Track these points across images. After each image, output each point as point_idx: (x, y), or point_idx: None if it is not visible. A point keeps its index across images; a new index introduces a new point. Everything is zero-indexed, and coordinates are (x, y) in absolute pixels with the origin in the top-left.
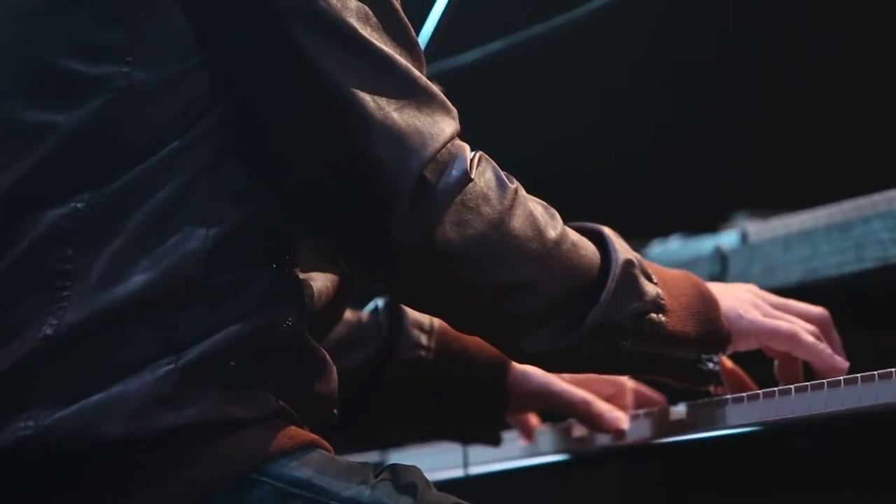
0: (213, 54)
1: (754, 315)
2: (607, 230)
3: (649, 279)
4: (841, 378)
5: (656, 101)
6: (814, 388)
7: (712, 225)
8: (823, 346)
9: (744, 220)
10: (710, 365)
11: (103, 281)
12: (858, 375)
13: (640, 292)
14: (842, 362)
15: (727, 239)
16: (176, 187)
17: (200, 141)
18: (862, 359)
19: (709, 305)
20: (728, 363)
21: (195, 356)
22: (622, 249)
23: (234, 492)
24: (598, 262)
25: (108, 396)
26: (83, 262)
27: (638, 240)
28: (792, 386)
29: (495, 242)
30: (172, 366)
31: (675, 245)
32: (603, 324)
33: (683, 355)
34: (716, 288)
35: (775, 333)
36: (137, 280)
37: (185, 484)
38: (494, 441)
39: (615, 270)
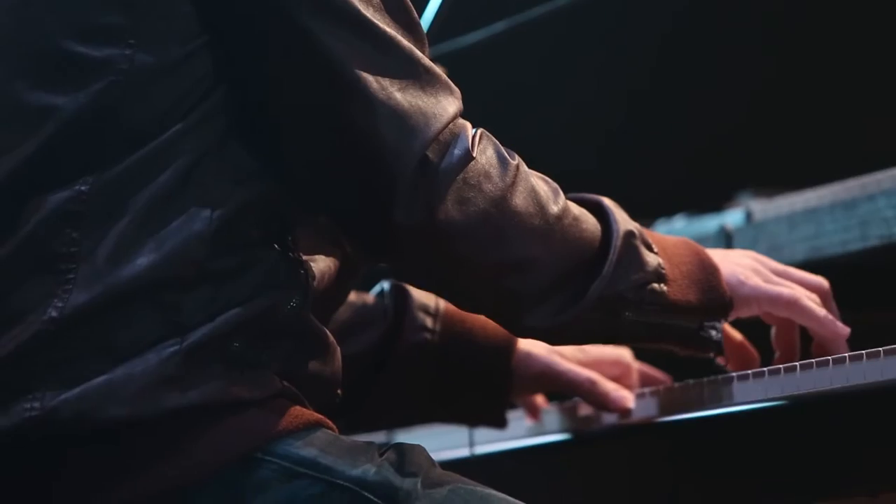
0: (216, 36)
1: (756, 281)
2: (607, 201)
3: (650, 249)
4: (846, 355)
5: (660, 80)
6: (819, 365)
7: (717, 204)
8: (825, 313)
9: (748, 199)
10: (713, 332)
11: (108, 263)
12: (864, 352)
13: (641, 263)
14: (843, 328)
15: (732, 218)
16: (179, 170)
17: (203, 123)
18: (867, 336)
19: (709, 272)
20: (736, 336)
21: (199, 338)
22: (622, 220)
23: (240, 471)
24: (600, 234)
25: (113, 378)
26: (88, 245)
27: (642, 220)
28: (797, 363)
29: (498, 219)
30: (177, 347)
31: (679, 224)
32: (605, 296)
33: (686, 323)
34: (716, 254)
35: (777, 299)
36: (142, 262)
37: (190, 464)
38: (500, 423)
39: (616, 242)
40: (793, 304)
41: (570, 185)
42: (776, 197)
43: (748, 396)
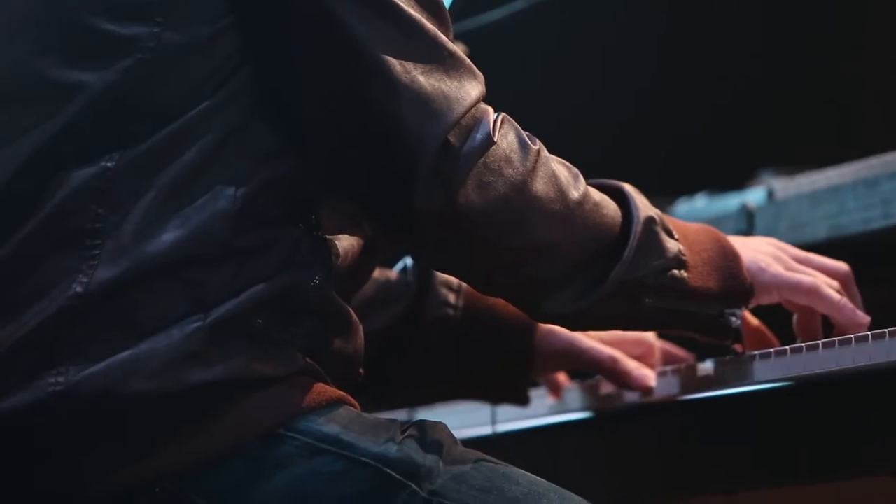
0: (242, 16)
1: (776, 269)
2: (628, 187)
3: (671, 235)
4: (869, 333)
5: (683, 57)
6: (841, 343)
7: (738, 182)
8: (845, 301)
9: (770, 177)
10: (733, 319)
11: (133, 239)
12: (886, 330)
13: (661, 249)
14: (863, 317)
15: (753, 196)
16: (205, 147)
17: (229, 102)
18: (890, 315)
19: (730, 259)
20: (753, 320)
21: (223, 314)
22: (643, 206)
23: (263, 448)
24: (620, 220)
25: (137, 353)
26: (113, 221)
27: (664, 198)
28: (819, 341)
29: (518, 204)
30: (200, 323)
31: (701, 203)
32: (625, 282)
33: (706, 310)
34: (737, 241)
35: (797, 287)
36: (167, 239)
37: (213, 440)
38: (522, 401)
39: (637, 228)
40: (812, 291)
41: (591, 164)
42: (798, 175)
43: (770, 375)
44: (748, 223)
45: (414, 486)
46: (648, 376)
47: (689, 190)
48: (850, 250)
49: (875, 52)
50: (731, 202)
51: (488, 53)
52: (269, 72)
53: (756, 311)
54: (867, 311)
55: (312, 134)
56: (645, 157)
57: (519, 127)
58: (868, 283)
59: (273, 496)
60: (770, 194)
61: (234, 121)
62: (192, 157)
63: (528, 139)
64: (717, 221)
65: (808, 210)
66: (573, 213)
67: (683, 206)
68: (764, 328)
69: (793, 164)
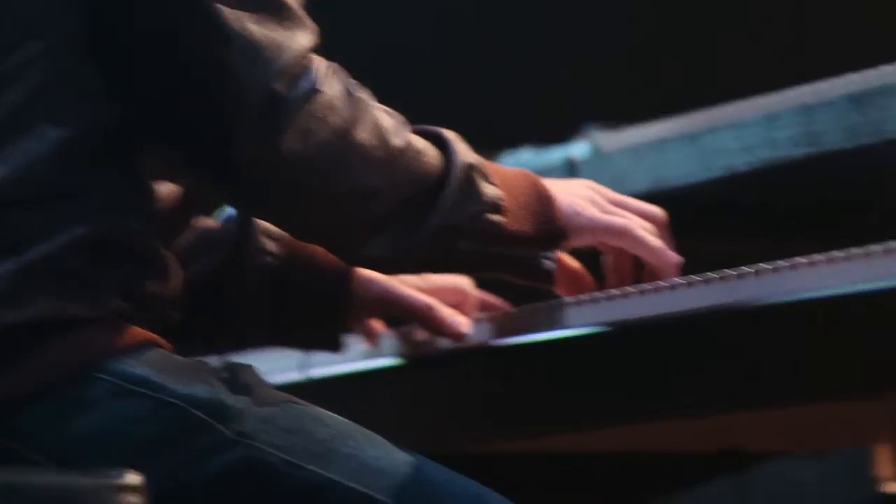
0: None
1: (591, 211)
2: (448, 133)
3: (488, 181)
4: (682, 280)
5: (508, 10)
6: (656, 290)
7: (563, 136)
8: (657, 242)
9: (594, 131)
10: (547, 262)
11: None
12: (698, 276)
13: (478, 194)
14: (673, 256)
15: (578, 149)
16: (30, 89)
17: (56, 45)
18: (706, 265)
19: (545, 203)
20: (573, 264)
21: (37, 255)
22: (462, 152)
23: (72, 389)
24: (441, 166)
25: None
26: None
27: (489, 151)
28: (632, 288)
29: (340, 151)
30: (14, 266)
31: (526, 156)
32: (442, 226)
33: (521, 253)
34: (554, 185)
35: (609, 228)
36: None
37: (21, 380)
38: (335, 347)
39: (455, 174)
40: (625, 232)
41: (416, 116)
42: (623, 129)
43: (579, 320)
44: (572, 176)
45: (221, 427)
46: (462, 323)
47: (515, 143)
48: (671, 202)
49: (701, 9)
50: (555, 155)
51: (324, 4)
52: (99, 15)
53: (577, 256)
54: (685, 263)
55: (138, 79)
56: (470, 109)
57: (347, 76)
58: (687, 234)
59: (80, 437)
60: (595, 148)
61: (62, 63)
62: (16, 98)
63: (353, 88)
64: (542, 174)
65: (631, 163)
66: (395, 160)
67: (508, 158)
68: (583, 271)
69: (618, 118)
